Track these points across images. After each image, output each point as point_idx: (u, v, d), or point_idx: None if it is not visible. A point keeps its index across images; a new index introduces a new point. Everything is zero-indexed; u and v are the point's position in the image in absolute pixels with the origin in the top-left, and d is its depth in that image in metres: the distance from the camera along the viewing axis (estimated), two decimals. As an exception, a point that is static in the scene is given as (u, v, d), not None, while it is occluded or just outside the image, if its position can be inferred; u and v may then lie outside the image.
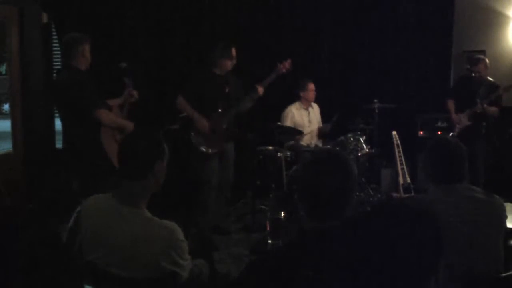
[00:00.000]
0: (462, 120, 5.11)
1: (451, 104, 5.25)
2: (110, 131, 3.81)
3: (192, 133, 4.44)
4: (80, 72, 3.74)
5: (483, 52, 5.62)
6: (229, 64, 4.49)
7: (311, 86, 5.41)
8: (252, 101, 4.61)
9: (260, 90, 4.56)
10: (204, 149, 4.42)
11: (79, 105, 3.64)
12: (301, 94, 5.42)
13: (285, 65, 4.68)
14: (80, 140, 3.70)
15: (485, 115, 4.96)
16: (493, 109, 5.00)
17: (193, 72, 4.75)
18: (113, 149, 3.67)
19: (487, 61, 5.09)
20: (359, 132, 5.27)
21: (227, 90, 4.51)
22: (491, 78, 5.11)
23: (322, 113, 5.69)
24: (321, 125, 5.67)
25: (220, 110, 4.48)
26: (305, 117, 5.46)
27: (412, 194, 4.66)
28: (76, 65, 3.73)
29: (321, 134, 5.63)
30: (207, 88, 4.43)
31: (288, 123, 5.30)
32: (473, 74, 4.97)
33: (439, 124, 5.60)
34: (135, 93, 4.11)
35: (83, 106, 3.64)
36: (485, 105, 4.90)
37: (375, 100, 5.42)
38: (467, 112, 5.08)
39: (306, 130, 5.33)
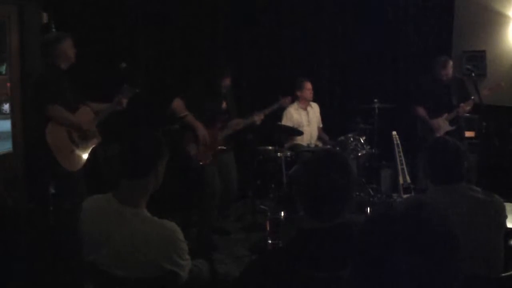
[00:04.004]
0: (443, 125, 4.93)
1: (422, 111, 5.05)
2: (65, 130, 3.68)
3: (186, 141, 4.44)
4: (54, 69, 3.72)
5: (483, 52, 5.61)
6: (222, 86, 4.49)
7: (308, 85, 5.38)
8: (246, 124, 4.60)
9: (258, 118, 4.57)
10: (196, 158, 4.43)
11: (35, 101, 3.65)
12: (298, 93, 5.39)
13: (287, 100, 4.84)
14: (29, 140, 3.71)
15: (460, 117, 4.86)
16: (466, 106, 4.86)
17: (192, 84, 4.76)
18: (64, 148, 3.64)
19: (451, 61, 4.99)
20: (359, 132, 5.27)
21: (224, 105, 4.52)
22: (491, 78, 5.09)
23: (322, 113, 5.69)
24: (321, 125, 5.67)
25: (218, 124, 4.50)
26: (304, 117, 5.44)
27: (412, 194, 4.66)
28: (53, 63, 3.74)
29: (320, 137, 5.63)
30: (206, 103, 4.44)
31: (286, 123, 5.29)
32: (443, 78, 4.89)
33: None
34: (124, 101, 3.99)
35: (38, 101, 3.62)
36: (461, 105, 4.80)
37: (375, 100, 5.41)
38: (445, 116, 4.93)
39: (305, 130, 5.32)
